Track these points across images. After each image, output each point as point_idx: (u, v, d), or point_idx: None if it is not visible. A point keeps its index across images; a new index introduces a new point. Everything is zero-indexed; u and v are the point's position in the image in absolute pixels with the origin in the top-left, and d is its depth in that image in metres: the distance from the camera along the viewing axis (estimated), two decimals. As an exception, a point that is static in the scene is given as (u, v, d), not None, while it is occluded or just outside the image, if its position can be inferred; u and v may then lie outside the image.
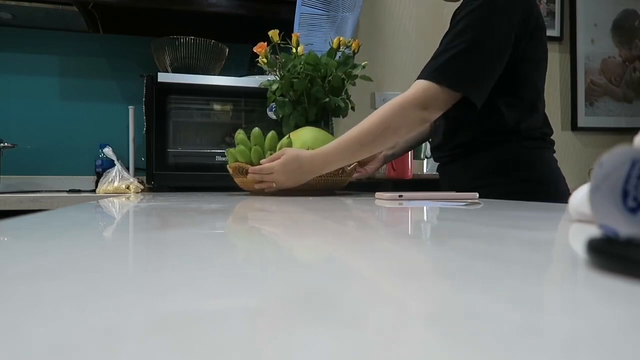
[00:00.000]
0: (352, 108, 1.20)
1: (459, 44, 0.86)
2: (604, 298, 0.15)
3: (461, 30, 0.87)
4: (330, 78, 1.13)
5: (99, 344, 0.10)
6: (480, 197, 0.80)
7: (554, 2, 2.20)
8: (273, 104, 1.20)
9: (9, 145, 1.60)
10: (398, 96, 0.89)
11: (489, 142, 0.95)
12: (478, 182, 0.94)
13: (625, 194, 0.21)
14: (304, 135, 1.05)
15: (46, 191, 1.55)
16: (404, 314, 0.13)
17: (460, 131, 0.99)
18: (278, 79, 1.17)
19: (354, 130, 0.91)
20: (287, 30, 1.23)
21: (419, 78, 0.90)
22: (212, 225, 0.38)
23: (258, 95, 1.38)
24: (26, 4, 1.54)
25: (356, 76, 1.18)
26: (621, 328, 0.12)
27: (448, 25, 0.96)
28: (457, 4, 0.97)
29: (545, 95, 0.99)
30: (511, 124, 0.93)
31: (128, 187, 1.37)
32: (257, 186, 0.96)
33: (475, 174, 0.98)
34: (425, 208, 0.59)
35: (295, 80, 1.11)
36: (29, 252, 0.23)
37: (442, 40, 0.93)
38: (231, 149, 1.03)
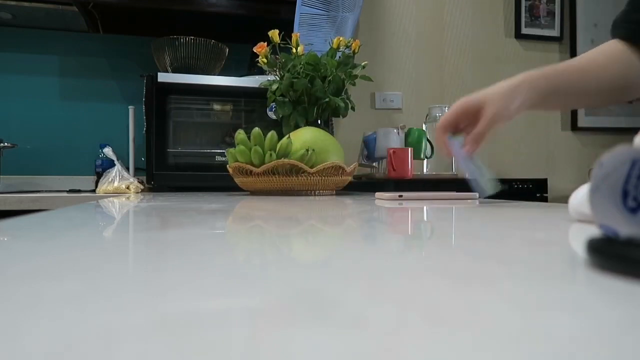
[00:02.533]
0: (352, 108, 1.20)
1: None
2: (604, 298, 0.15)
3: None
4: (330, 78, 1.13)
5: (99, 344, 0.10)
6: None
7: (554, 2, 2.20)
8: (273, 104, 1.20)
9: (9, 145, 1.60)
10: None
11: None
12: None
13: (625, 194, 0.21)
14: (304, 135, 1.05)
15: (46, 191, 1.55)
16: (404, 314, 0.13)
17: None
18: (278, 79, 1.17)
19: None
20: (287, 30, 1.23)
21: None
22: (212, 225, 0.38)
23: (258, 95, 1.37)
24: (26, 4, 1.54)
25: (356, 76, 1.18)
26: (621, 328, 0.12)
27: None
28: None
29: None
30: None
31: (128, 187, 1.37)
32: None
33: None
34: (425, 208, 0.59)
35: (295, 80, 1.11)
36: (29, 252, 0.23)
37: None
38: (231, 149, 1.03)
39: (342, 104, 1.15)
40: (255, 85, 1.42)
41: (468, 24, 2.10)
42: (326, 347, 0.10)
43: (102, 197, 1.12)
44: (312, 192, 1.02)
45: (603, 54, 0.76)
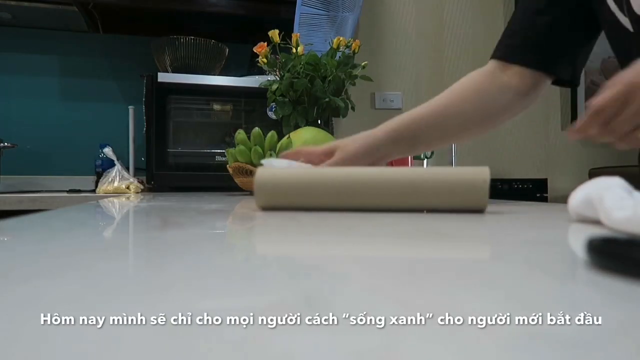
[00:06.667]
0: (352, 108, 1.20)
1: None
2: (604, 298, 0.15)
3: None
4: (330, 78, 1.13)
5: (99, 344, 0.10)
6: None
7: (554, 2, 2.20)
8: (273, 104, 1.20)
9: (9, 145, 1.60)
10: None
11: None
12: None
13: None
14: (304, 135, 1.05)
15: (46, 191, 1.55)
16: (403, 315, 0.13)
17: None
18: (278, 79, 1.17)
19: None
20: (287, 30, 1.23)
21: None
22: (212, 225, 0.38)
23: (258, 95, 1.37)
24: (26, 4, 1.54)
25: (356, 76, 1.17)
26: (621, 328, 0.12)
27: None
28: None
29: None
30: None
31: (128, 187, 1.37)
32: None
33: None
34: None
35: (295, 80, 1.11)
36: (29, 252, 0.23)
37: None
38: (231, 149, 1.03)
39: (342, 104, 1.15)
40: (255, 85, 1.42)
41: (468, 24, 2.09)
42: (326, 347, 0.10)
43: (102, 197, 1.12)
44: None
45: (460, 90, 0.77)
